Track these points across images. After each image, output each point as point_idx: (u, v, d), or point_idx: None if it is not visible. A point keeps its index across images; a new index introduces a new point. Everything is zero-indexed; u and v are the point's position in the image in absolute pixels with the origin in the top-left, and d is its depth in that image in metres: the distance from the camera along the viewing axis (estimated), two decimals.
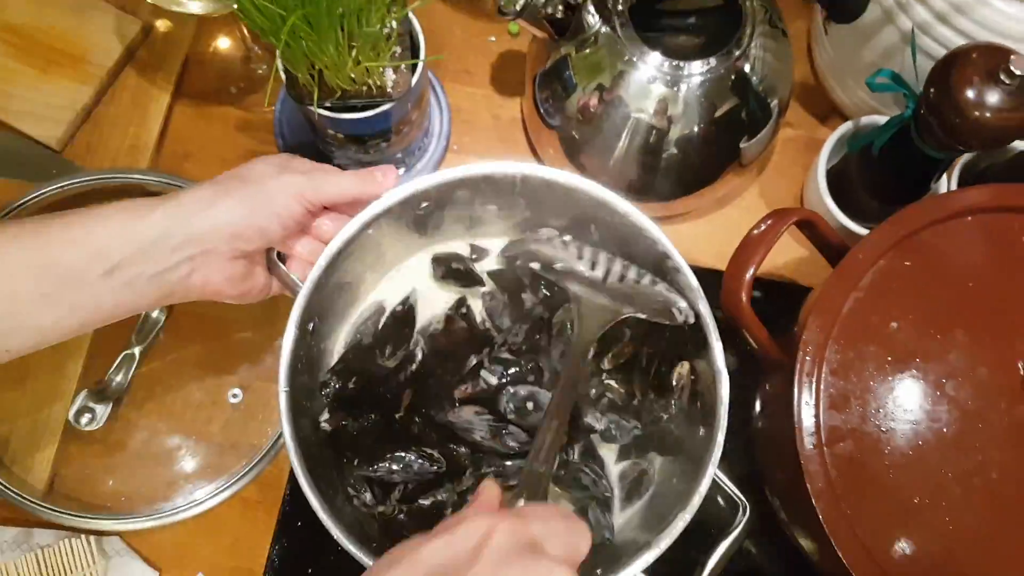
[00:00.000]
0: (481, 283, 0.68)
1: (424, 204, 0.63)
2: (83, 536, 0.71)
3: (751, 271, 0.59)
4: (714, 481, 0.58)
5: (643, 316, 0.60)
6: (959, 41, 0.65)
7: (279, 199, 0.57)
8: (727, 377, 0.59)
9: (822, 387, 0.55)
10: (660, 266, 0.62)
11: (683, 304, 0.59)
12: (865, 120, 0.76)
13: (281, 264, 0.62)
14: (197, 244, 0.55)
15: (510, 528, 0.41)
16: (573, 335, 0.59)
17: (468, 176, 0.61)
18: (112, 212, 0.54)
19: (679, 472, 0.62)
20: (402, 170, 0.78)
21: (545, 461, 0.52)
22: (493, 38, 0.86)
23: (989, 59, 0.59)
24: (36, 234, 0.53)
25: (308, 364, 0.62)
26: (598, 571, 0.57)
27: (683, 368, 0.64)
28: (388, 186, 0.60)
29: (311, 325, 0.60)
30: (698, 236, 0.81)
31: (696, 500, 0.56)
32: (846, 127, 0.77)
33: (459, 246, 0.70)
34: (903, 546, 0.53)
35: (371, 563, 0.55)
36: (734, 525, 0.61)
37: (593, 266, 0.62)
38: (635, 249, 0.63)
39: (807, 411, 0.55)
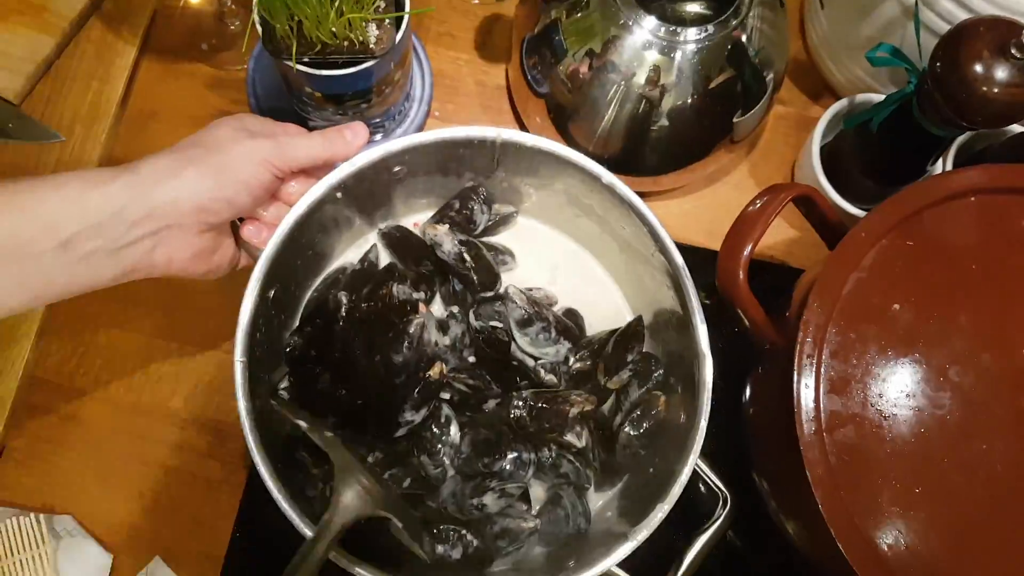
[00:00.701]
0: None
1: (397, 168, 0.60)
2: (32, 514, 0.67)
3: (748, 249, 0.57)
4: (695, 471, 0.56)
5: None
6: (963, 15, 0.63)
7: (246, 168, 0.54)
8: (711, 361, 0.57)
9: (822, 370, 0.53)
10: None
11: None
12: (860, 98, 0.74)
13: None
14: (159, 219, 0.51)
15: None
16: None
17: (444, 139, 0.59)
18: (66, 180, 0.50)
19: (659, 458, 0.60)
20: (379, 135, 0.75)
21: None
22: (477, 0, 0.82)
23: (998, 33, 0.56)
24: None
25: (269, 334, 0.59)
26: (571, 563, 0.55)
27: (659, 400, 0.62)
28: (358, 145, 0.58)
29: (271, 292, 0.58)
30: (687, 213, 0.79)
31: (676, 490, 0.55)
32: (841, 104, 0.74)
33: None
34: (903, 536, 0.51)
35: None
36: (715, 517, 0.59)
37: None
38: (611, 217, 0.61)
39: (807, 395, 0.52)
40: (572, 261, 0.70)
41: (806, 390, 0.53)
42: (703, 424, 0.56)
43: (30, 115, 0.74)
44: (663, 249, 0.60)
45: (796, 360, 0.53)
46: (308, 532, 0.53)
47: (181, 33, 0.80)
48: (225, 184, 0.53)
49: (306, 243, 0.60)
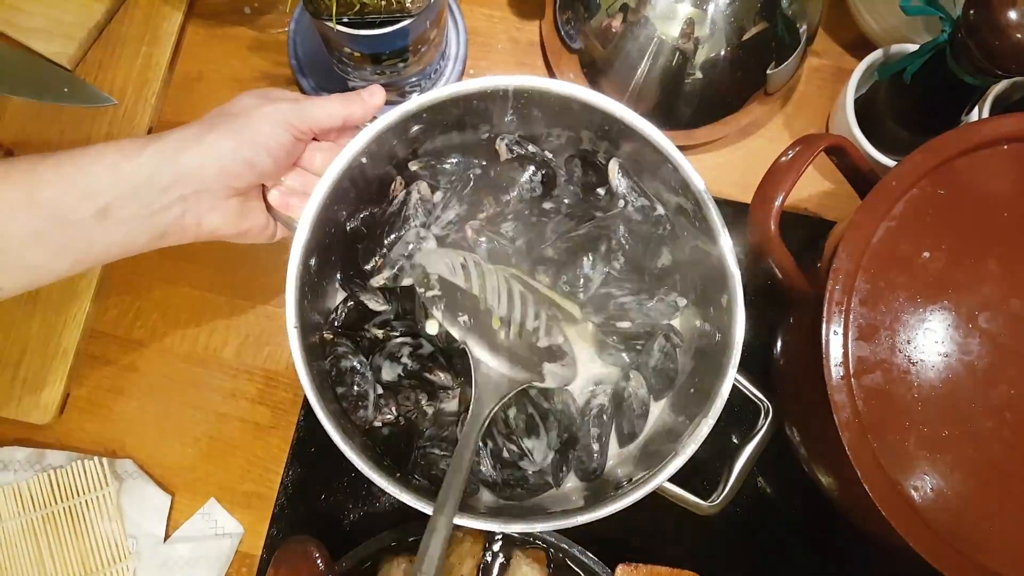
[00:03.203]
0: None
1: (416, 128, 0.61)
2: (96, 458, 0.71)
3: (780, 199, 0.58)
4: (735, 385, 0.57)
5: (542, 385, 0.58)
6: None
7: (265, 129, 0.56)
8: (739, 276, 0.58)
9: (851, 317, 0.54)
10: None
11: (574, 373, 0.59)
12: (895, 48, 0.74)
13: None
14: (187, 183, 0.54)
15: None
16: (471, 407, 0.55)
17: (457, 93, 0.59)
18: (103, 151, 0.53)
19: (699, 377, 0.62)
20: (416, 93, 0.76)
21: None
22: None
23: None
24: (28, 172, 0.51)
25: (313, 296, 0.61)
26: (625, 483, 0.57)
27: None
28: (375, 105, 0.59)
29: (312, 261, 0.59)
30: (720, 166, 0.79)
31: (718, 404, 0.56)
32: (876, 55, 0.74)
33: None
34: (930, 480, 0.52)
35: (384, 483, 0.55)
36: (758, 427, 0.61)
37: (500, 313, 0.58)
38: (656, 173, 0.62)
39: (835, 341, 0.53)
40: None
41: (835, 336, 0.54)
42: (739, 338, 0.57)
43: (84, 79, 0.77)
44: (684, 175, 0.60)
45: (825, 307, 0.54)
46: (366, 469, 0.55)
47: None
48: (245, 146, 0.55)
49: (340, 209, 0.62)
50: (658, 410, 0.66)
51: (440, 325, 0.59)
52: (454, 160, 0.66)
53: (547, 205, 0.67)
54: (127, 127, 0.77)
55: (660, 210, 0.64)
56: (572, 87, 0.60)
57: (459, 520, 0.54)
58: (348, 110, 0.59)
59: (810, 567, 0.71)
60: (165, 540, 0.71)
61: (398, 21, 0.63)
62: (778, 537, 0.72)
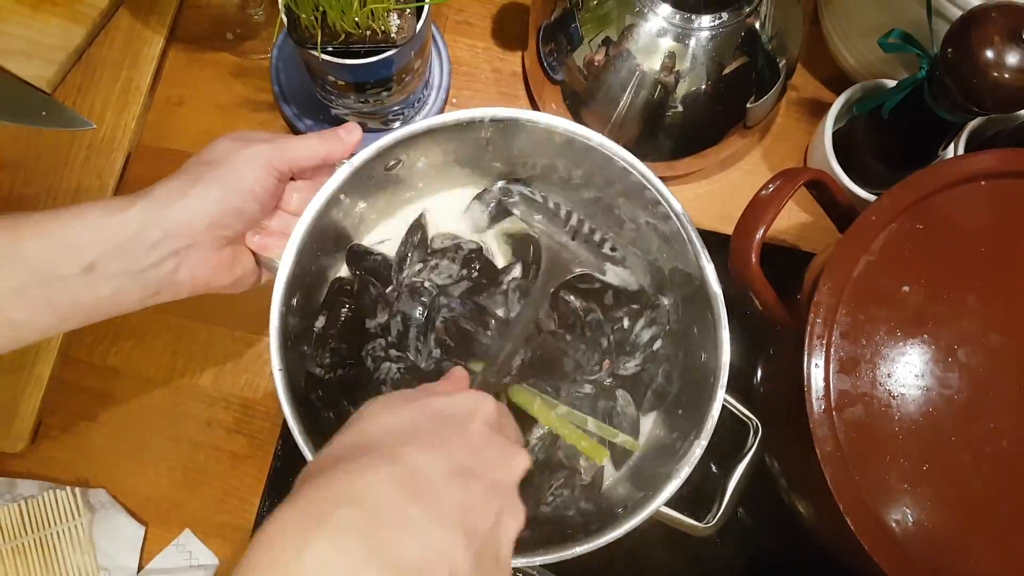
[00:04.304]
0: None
1: (393, 163, 0.61)
2: (68, 488, 0.69)
3: (761, 232, 0.58)
4: (724, 404, 0.57)
5: (603, 277, 0.63)
6: (975, 1, 0.64)
7: (249, 174, 0.55)
8: (722, 297, 0.58)
9: (832, 350, 0.54)
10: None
11: (633, 280, 0.64)
12: (873, 83, 0.75)
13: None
14: (177, 239, 0.53)
15: (493, 407, 0.48)
16: (537, 282, 0.61)
17: (435, 125, 0.59)
18: (87, 209, 0.52)
19: (686, 398, 0.62)
20: (398, 123, 0.76)
21: (500, 373, 0.58)
22: None
23: (1010, 19, 0.57)
24: (9, 227, 0.50)
25: (296, 338, 0.60)
26: (619, 510, 0.57)
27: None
28: (353, 142, 0.58)
29: (295, 300, 0.59)
30: (700, 198, 0.80)
31: (709, 425, 0.56)
32: (854, 90, 0.75)
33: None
34: (911, 513, 0.52)
35: None
36: (748, 446, 0.61)
37: (567, 219, 0.65)
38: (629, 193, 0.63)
39: (817, 374, 0.54)
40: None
41: (816, 369, 0.54)
42: (726, 358, 0.57)
43: (62, 103, 0.76)
44: (662, 199, 0.61)
45: (807, 340, 0.54)
46: None
47: (207, 22, 0.82)
48: (232, 195, 0.54)
49: (319, 248, 0.61)
50: (648, 428, 0.66)
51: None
52: None
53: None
54: (106, 151, 0.76)
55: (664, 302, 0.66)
56: (548, 117, 0.60)
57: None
58: (327, 148, 0.58)
59: None
60: (138, 572, 0.69)
61: (383, 51, 0.63)
62: (759, 567, 0.72)
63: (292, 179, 0.59)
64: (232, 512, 0.71)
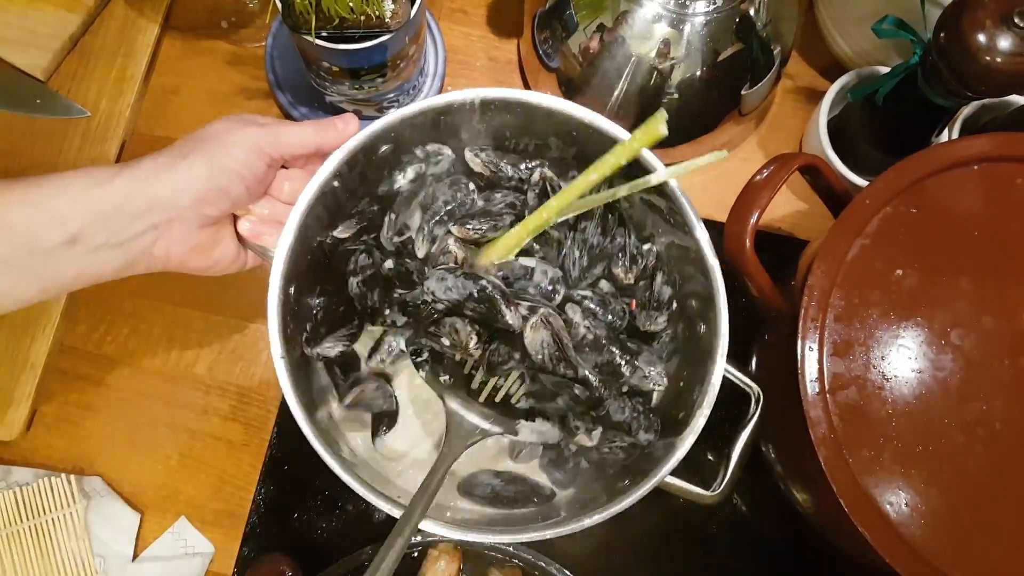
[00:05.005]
0: None
1: (384, 148, 0.60)
2: (63, 475, 0.69)
3: (755, 217, 0.58)
4: (724, 374, 0.57)
5: (514, 438, 0.60)
6: None
7: (238, 155, 0.54)
8: (719, 267, 0.58)
9: (826, 334, 0.55)
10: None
11: (555, 434, 0.61)
12: (867, 70, 0.75)
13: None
14: (159, 212, 0.53)
15: None
16: (443, 447, 0.57)
17: (425, 108, 0.58)
18: (72, 178, 0.51)
19: (688, 370, 0.62)
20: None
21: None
22: None
23: (1001, 3, 0.57)
24: None
25: (295, 323, 0.60)
26: (625, 482, 0.57)
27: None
28: (349, 134, 0.57)
29: (292, 289, 0.58)
30: (695, 185, 0.80)
31: (711, 395, 0.56)
32: (848, 77, 0.75)
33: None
34: (905, 495, 0.52)
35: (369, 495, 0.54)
36: (751, 414, 0.61)
37: (478, 371, 0.60)
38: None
39: (811, 357, 0.54)
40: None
41: (810, 353, 0.54)
42: (724, 327, 0.57)
43: (57, 91, 0.76)
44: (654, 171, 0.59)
45: (801, 324, 0.55)
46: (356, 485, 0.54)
47: (201, 10, 0.82)
48: (218, 173, 0.54)
49: (312, 235, 0.60)
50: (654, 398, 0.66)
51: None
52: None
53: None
54: (100, 139, 0.76)
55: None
56: (539, 96, 0.59)
57: (465, 536, 0.54)
58: (322, 138, 0.57)
59: None
60: (134, 559, 0.69)
61: (377, 36, 0.63)
62: (755, 554, 0.72)
63: (284, 167, 0.59)
64: (228, 500, 0.71)
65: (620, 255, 0.64)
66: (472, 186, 0.64)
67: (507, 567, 0.64)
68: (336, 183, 0.58)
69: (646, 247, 0.64)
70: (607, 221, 0.63)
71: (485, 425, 0.57)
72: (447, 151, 0.63)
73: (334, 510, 0.71)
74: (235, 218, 0.59)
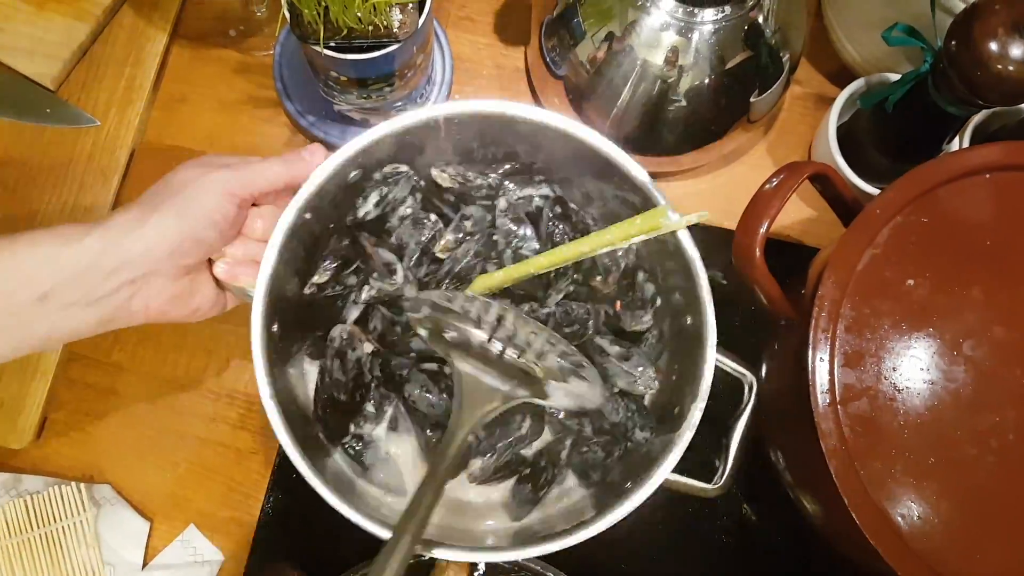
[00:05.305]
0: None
1: (353, 173, 0.59)
2: (73, 483, 0.69)
3: (765, 226, 0.58)
4: (716, 364, 0.57)
5: (545, 404, 0.56)
6: None
7: (209, 202, 0.54)
8: (699, 259, 0.58)
9: (837, 344, 0.54)
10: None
11: (596, 394, 0.57)
12: (876, 77, 0.75)
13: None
14: (134, 268, 0.52)
15: None
16: (452, 418, 0.53)
17: (387, 132, 0.58)
18: (41, 237, 0.51)
19: (679, 364, 0.62)
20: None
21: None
22: None
23: (1013, 11, 0.57)
24: None
25: (280, 361, 0.60)
26: (627, 485, 0.56)
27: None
28: (317, 164, 0.57)
29: (275, 327, 0.58)
30: (703, 192, 0.80)
31: (705, 386, 0.56)
32: (858, 84, 0.75)
33: None
34: (917, 507, 0.52)
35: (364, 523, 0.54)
36: (745, 403, 0.61)
37: (492, 333, 0.55)
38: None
39: (821, 368, 0.54)
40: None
41: (821, 364, 0.54)
42: (710, 319, 0.57)
43: (67, 100, 0.77)
44: (624, 170, 0.59)
45: (811, 334, 0.54)
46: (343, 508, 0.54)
47: (209, 19, 0.82)
48: (190, 223, 0.53)
49: (289, 269, 0.60)
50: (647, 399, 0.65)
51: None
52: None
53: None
54: (110, 148, 0.77)
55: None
56: (499, 104, 0.59)
57: (458, 556, 0.53)
58: (290, 172, 0.57)
59: None
60: (143, 567, 0.70)
61: (385, 46, 0.63)
62: (765, 562, 0.72)
63: (254, 204, 0.58)
64: (237, 507, 0.71)
65: (593, 268, 0.64)
66: (434, 218, 0.64)
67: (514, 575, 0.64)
68: (308, 215, 0.58)
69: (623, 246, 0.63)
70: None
71: (506, 388, 0.53)
72: (403, 168, 0.62)
73: (344, 519, 0.70)
74: (211, 262, 0.58)
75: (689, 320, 0.59)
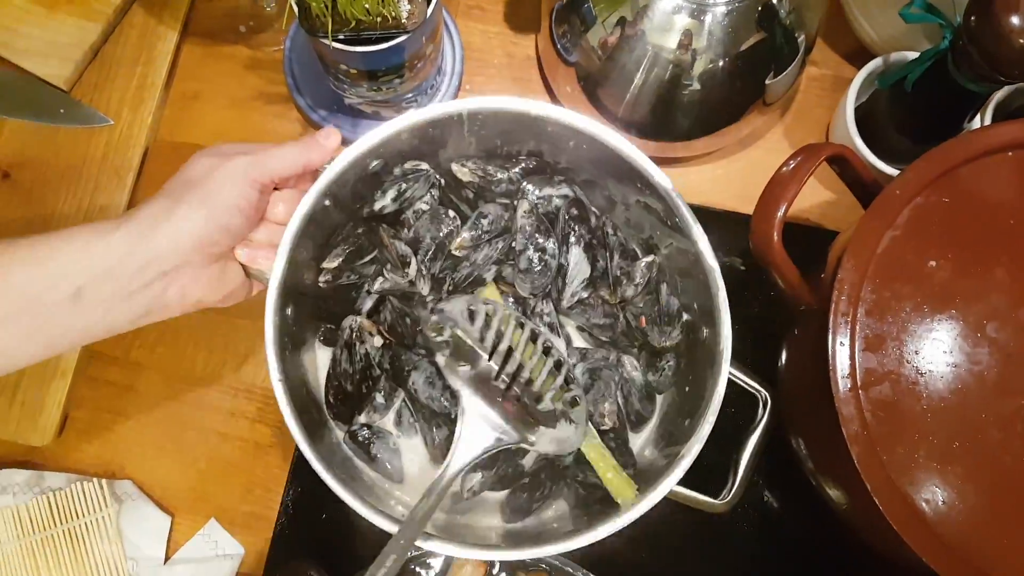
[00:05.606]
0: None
1: (375, 163, 0.60)
2: (95, 480, 0.70)
3: (783, 209, 0.57)
4: (730, 378, 0.56)
5: (528, 448, 0.56)
6: None
7: (232, 190, 0.54)
8: (719, 271, 0.57)
9: (857, 328, 0.53)
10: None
11: (577, 438, 0.58)
12: (895, 56, 0.73)
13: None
14: (165, 261, 0.52)
15: None
16: (450, 454, 0.54)
17: (410, 123, 0.58)
18: (75, 233, 0.52)
19: (692, 375, 0.61)
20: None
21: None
22: None
23: None
24: (0, 254, 0.50)
25: (293, 346, 0.60)
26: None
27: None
28: (332, 147, 0.57)
29: (289, 311, 0.58)
30: (720, 178, 0.79)
31: (716, 401, 0.56)
32: (876, 63, 0.74)
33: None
34: (941, 492, 0.51)
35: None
36: (759, 419, 0.60)
37: (501, 368, 0.57)
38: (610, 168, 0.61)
39: (842, 353, 0.53)
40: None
41: (841, 348, 0.53)
42: (727, 330, 0.56)
43: (80, 100, 0.77)
44: (648, 176, 0.59)
45: (831, 319, 0.53)
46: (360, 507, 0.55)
47: (219, 16, 0.82)
48: (217, 212, 0.54)
49: (307, 255, 0.60)
50: (657, 408, 0.65)
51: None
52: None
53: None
54: (124, 147, 0.77)
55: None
56: (524, 102, 0.59)
57: (472, 554, 0.53)
58: (307, 156, 0.57)
59: None
60: (165, 562, 0.70)
61: (394, 37, 0.63)
62: (787, 552, 0.71)
63: (276, 188, 0.59)
64: (257, 502, 0.71)
65: (602, 278, 0.65)
66: (453, 214, 0.64)
67: (532, 571, 0.63)
68: (327, 201, 0.58)
69: (647, 259, 0.64)
70: (592, 250, 0.64)
71: (498, 432, 0.54)
72: (424, 166, 0.62)
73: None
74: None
75: (706, 332, 0.59)
